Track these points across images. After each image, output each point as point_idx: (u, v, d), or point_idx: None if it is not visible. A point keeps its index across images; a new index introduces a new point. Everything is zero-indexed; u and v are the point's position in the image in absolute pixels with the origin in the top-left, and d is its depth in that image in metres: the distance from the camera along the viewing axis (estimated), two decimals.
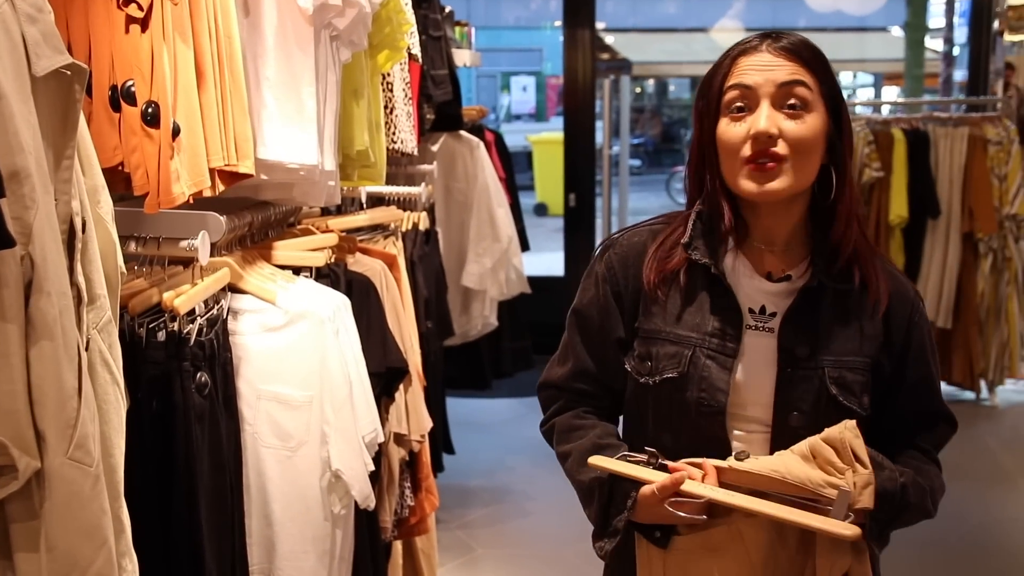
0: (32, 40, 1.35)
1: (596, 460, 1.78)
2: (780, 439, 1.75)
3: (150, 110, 1.96)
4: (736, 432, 1.79)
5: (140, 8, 1.97)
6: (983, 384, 6.37)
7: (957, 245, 6.19)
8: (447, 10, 4.94)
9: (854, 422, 1.68)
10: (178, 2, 2.01)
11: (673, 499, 1.68)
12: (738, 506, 1.64)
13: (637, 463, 1.76)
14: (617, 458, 1.78)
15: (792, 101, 1.70)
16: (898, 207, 6.14)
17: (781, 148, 1.69)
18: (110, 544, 1.47)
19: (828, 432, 1.67)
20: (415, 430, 3.17)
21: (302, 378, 2.37)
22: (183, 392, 2.04)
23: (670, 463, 1.74)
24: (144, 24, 1.97)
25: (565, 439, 1.92)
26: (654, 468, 1.75)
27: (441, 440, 4.63)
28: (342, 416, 2.40)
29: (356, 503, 2.50)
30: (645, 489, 1.72)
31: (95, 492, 1.43)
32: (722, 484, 1.68)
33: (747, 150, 1.70)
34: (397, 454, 3.09)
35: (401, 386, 2.99)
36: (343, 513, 2.46)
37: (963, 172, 6.14)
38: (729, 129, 1.73)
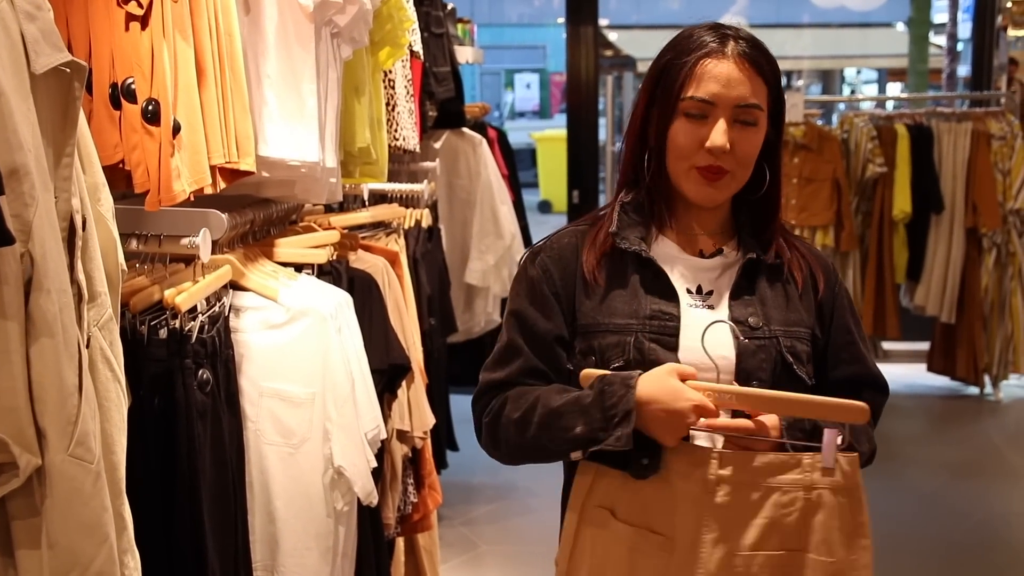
0: (31, 38, 1.35)
1: (589, 371, 1.78)
2: (739, 412, 1.77)
3: (150, 107, 1.97)
4: None
5: (140, 6, 1.97)
6: (987, 379, 6.36)
7: (961, 240, 6.18)
8: (449, 7, 4.94)
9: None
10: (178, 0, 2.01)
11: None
12: (747, 394, 1.70)
13: None
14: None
15: (746, 119, 1.78)
16: (901, 202, 6.14)
17: (728, 162, 1.78)
18: (111, 541, 1.47)
19: None
20: (418, 427, 3.17)
21: (304, 375, 2.37)
22: (185, 389, 2.04)
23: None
24: (144, 22, 1.98)
25: (519, 404, 1.84)
26: None
27: (445, 437, 4.63)
28: (344, 413, 2.40)
29: (359, 500, 2.50)
30: (652, 371, 1.72)
31: (96, 489, 1.44)
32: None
33: (699, 159, 1.78)
34: (400, 451, 3.09)
35: (404, 383, 2.99)
36: (346, 510, 2.46)
37: (967, 167, 6.13)
38: (684, 133, 1.79)
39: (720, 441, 1.77)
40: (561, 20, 8.43)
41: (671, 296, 1.83)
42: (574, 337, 1.87)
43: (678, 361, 1.78)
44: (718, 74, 1.76)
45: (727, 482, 1.70)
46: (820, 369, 1.90)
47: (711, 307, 1.84)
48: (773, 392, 1.72)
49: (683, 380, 1.71)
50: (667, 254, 1.88)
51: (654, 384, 1.70)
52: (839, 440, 1.67)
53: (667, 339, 1.81)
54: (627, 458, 1.74)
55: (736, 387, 1.73)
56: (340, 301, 2.50)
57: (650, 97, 1.85)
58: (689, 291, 1.85)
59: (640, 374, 1.72)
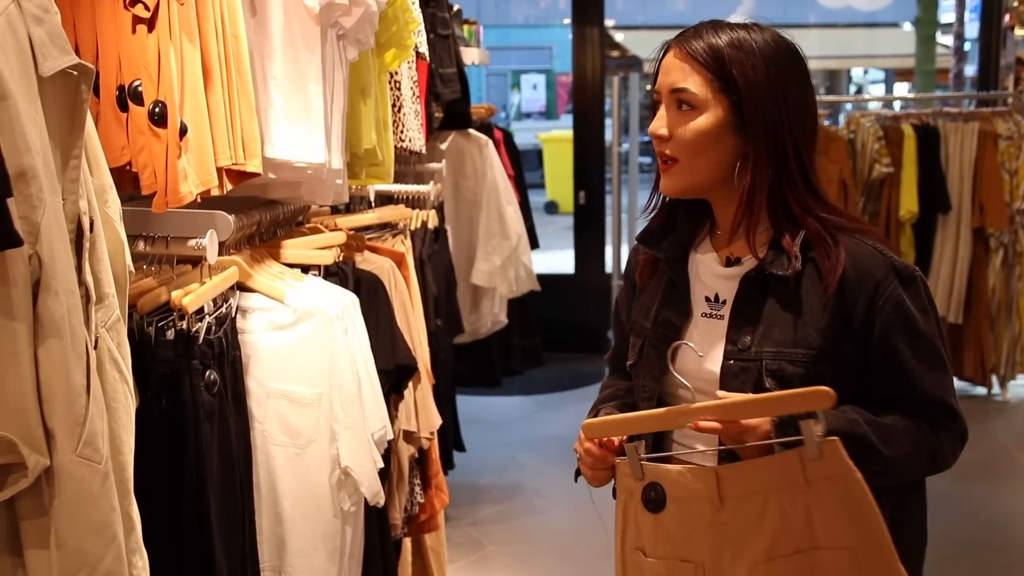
0: (38, 41, 1.36)
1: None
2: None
3: (157, 110, 1.97)
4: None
5: (147, 8, 1.97)
6: (995, 379, 6.35)
7: (968, 240, 6.17)
8: (455, 8, 4.94)
9: None
10: (184, 2, 2.01)
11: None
12: (709, 407, 1.69)
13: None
14: None
15: (681, 104, 1.80)
16: (908, 202, 6.13)
17: (670, 149, 1.81)
18: (120, 541, 1.47)
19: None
20: (424, 427, 3.18)
21: (311, 376, 2.38)
22: (192, 390, 2.05)
23: None
24: (151, 24, 1.99)
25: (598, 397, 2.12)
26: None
27: (452, 437, 4.63)
28: (351, 413, 2.41)
29: (366, 500, 2.51)
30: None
31: (104, 489, 1.44)
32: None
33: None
34: (407, 451, 3.09)
35: (410, 383, 2.99)
36: (353, 510, 2.47)
37: (973, 167, 6.12)
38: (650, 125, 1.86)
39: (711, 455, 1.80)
40: (567, 21, 8.43)
41: (682, 306, 1.88)
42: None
43: (662, 371, 1.86)
44: (661, 67, 1.84)
45: (730, 496, 1.69)
46: (864, 386, 1.78)
47: (722, 317, 1.83)
48: (733, 398, 1.68)
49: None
50: (700, 260, 1.91)
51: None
52: (818, 430, 1.60)
53: (664, 348, 1.86)
54: None
55: (697, 404, 1.70)
56: (346, 302, 2.50)
57: None
58: (708, 299, 1.87)
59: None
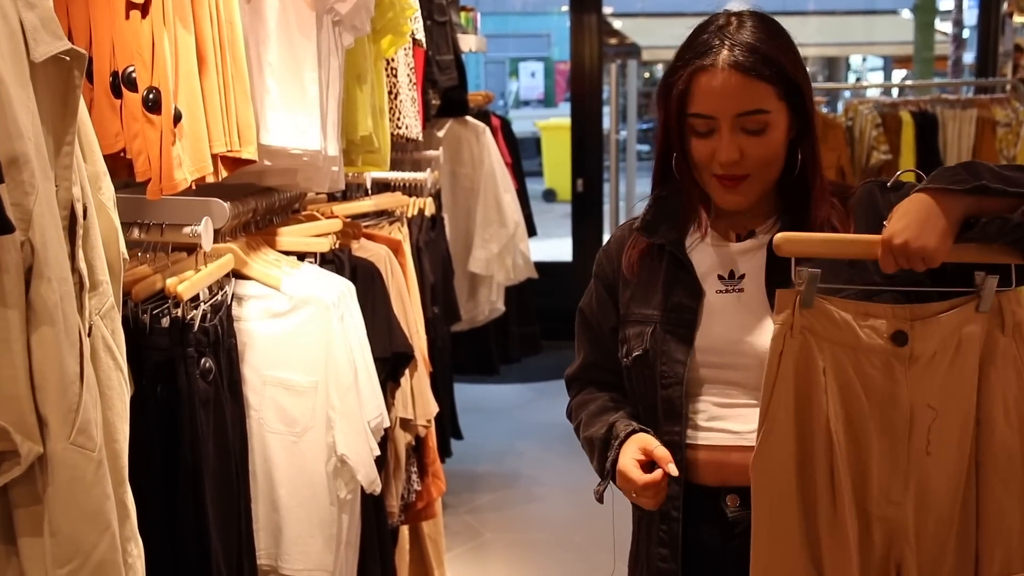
0: (30, 26, 1.35)
1: None
2: None
3: (151, 96, 1.96)
4: (717, 400, 1.83)
5: None
6: None
7: None
8: None
9: None
10: None
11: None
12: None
13: None
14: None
15: (752, 127, 1.74)
16: None
17: (744, 168, 1.76)
18: (114, 529, 1.47)
19: None
20: (421, 415, 3.18)
21: (307, 363, 2.37)
22: (187, 378, 2.04)
23: None
24: (144, 10, 1.97)
25: (578, 412, 2.06)
26: None
27: (449, 425, 4.63)
28: (347, 401, 2.41)
29: (362, 488, 2.51)
30: (633, 438, 1.84)
31: (98, 477, 1.44)
32: None
33: (715, 168, 1.78)
34: (403, 439, 3.09)
35: (407, 371, 2.99)
36: (349, 498, 2.47)
37: (971, 154, 6.10)
38: (697, 147, 1.79)
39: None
40: (565, 8, 8.41)
41: (694, 288, 1.86)
42: (619, 327, 1.97)
43: (690, 352, 1.83)
44: (712, 88, 1.73)
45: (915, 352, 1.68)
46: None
47: (742, 291, 1.83)
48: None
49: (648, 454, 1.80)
50: (704, 243, 1.90)
51: (624, 457, 1.84)
52: (993, 283, 1.64)
53: (682, 332, 1.85)
54: None
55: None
56: (342, 290, 2.50)
57: (665, 109, 1.83)
58: (721, 277, 1.86)
59: (628, 435, 1.86)
